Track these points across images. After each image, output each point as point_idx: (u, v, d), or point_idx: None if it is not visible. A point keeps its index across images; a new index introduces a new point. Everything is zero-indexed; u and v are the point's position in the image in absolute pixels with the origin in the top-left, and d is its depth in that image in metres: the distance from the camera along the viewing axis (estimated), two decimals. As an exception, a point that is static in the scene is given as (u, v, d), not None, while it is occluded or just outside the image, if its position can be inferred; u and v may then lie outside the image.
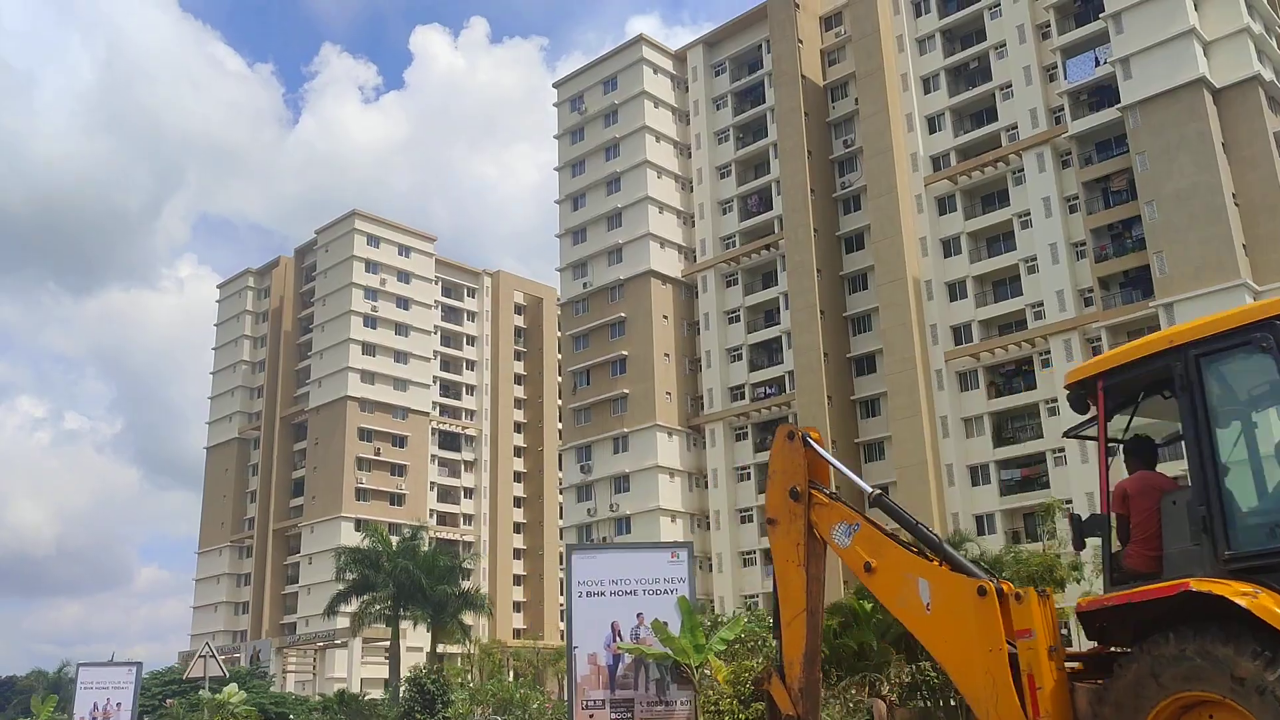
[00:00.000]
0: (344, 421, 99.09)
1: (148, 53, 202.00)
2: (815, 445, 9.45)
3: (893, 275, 67.14)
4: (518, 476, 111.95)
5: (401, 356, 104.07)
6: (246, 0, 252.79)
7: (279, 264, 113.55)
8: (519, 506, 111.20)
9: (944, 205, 68.13)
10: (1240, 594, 6.83)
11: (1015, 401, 63.36)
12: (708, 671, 16.96)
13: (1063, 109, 63.03)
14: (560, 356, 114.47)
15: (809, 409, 69.25)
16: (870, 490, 9.43)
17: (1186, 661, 6.99)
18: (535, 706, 39.74)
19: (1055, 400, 60.80)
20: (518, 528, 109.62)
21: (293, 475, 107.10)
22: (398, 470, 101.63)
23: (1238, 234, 54.84)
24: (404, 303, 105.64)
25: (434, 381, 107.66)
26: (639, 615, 16.23)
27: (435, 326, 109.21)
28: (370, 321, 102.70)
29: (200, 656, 20.46)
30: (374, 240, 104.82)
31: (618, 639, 16.21)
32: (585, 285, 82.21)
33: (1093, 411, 8.37)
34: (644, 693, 15.98)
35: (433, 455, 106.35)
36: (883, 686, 27.03)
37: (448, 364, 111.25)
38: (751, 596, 71.46)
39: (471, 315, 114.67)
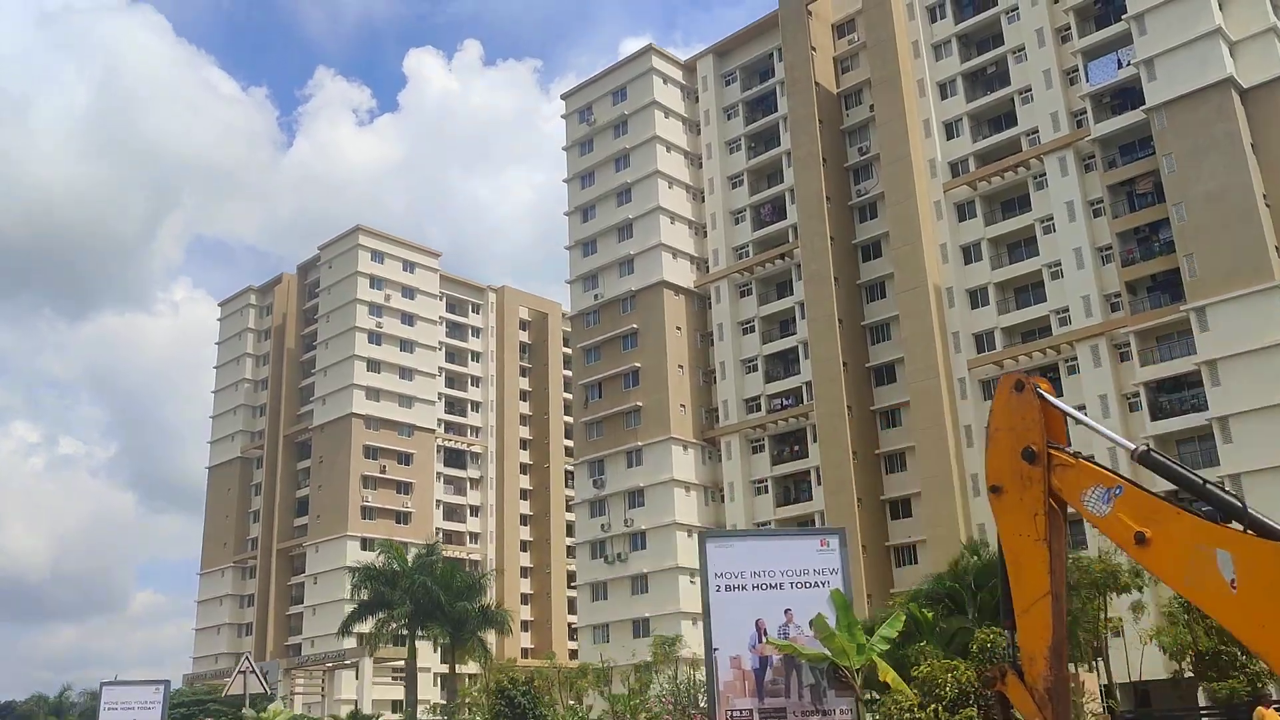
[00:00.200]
0: (349, 439, 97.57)
1: (143, 77, 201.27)
2: (1048, 397, 8.02)
3: (913, 283, 65.94)
4: (524, 494, 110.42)
5: (407, 373, 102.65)
6: (241, 25, 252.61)
7: (281, 281, 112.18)
8: (525, 524, 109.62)
9: (963, 211, 67.03)
10: None
11: (1041, 410, 61.97)
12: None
13: (1085, 112, 62.01)
14: (568, 372, 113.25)
15: (828, 420, 67.97)
16: (1136, 446, 8.00)
17: None
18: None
19: (1083, 407, 59.53)
20: (524, 546, 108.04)
21: (296, 494, 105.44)
22: (404, 488, 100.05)
23: (1270, 235, 53.72)
24: (409, 319, 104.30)
25: (439, 398, 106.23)
26: (787, 612, 14.41)
27: (440, 343, 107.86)
28: (375, 338, 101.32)
29: (240, 672, 19.06)
30: (378, 256, 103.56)
31: (764, 638, 14.41)
32: (596, 297, 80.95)
33: None
34: (797, 700, 14.04)
35: (438, 472, 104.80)
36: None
37: (452, 380, 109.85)
38: (771, 612, 69.85)
39: (476, 331, 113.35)
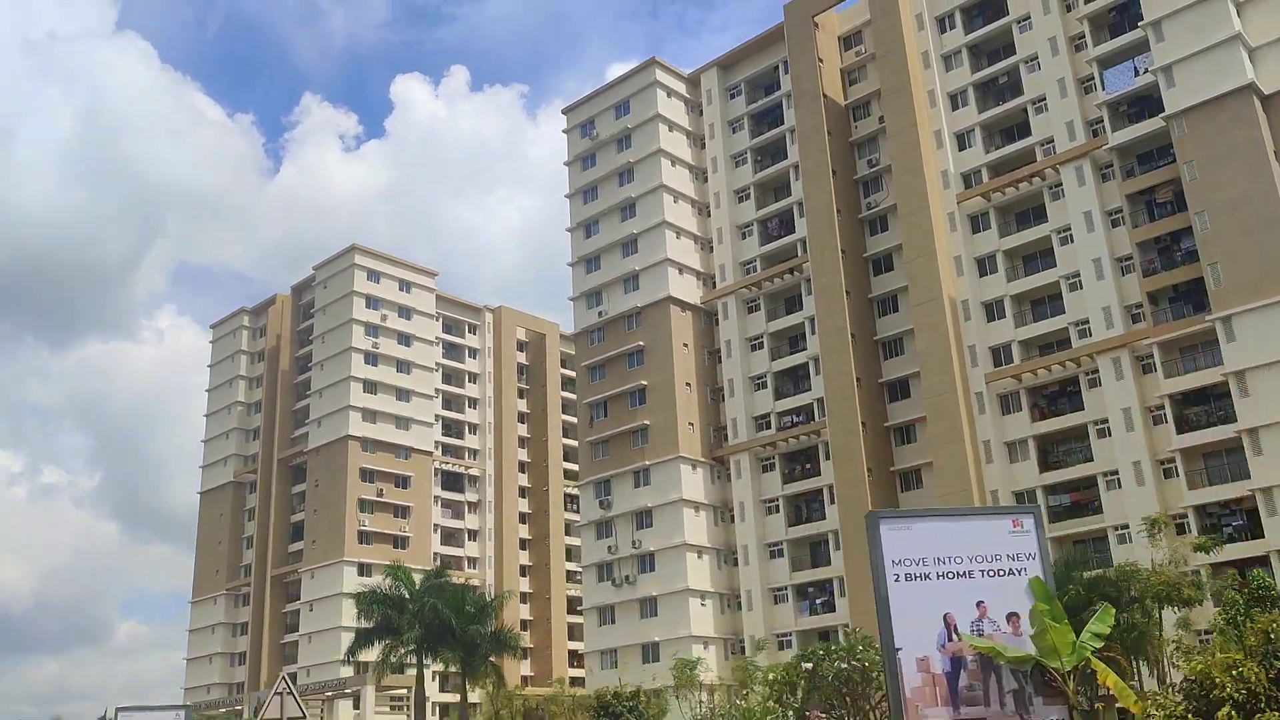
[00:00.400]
0: (345, 462, 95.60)
1: (128, 104, 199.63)
2: None
3: (927, 295, 64.66)
4: (523, 518, 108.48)
5: (404, 394, 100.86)
6: (227, 51, 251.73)
7: (275, 302, 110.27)
8: (525, 549, 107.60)
9: (977, 223, 65.90)
10: None
11: (1062, 424, 60.74)
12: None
13: (1101, 120, 61.03)
14: (566, 394, 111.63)
15: (842, 436, 66.51)
16: None
17: None
18: None
19: (1105, 420, 58.39)
20: (524, 571, 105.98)
21: (291, 519, 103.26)
22: (401, 512, 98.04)
23: (1296, 243, 52.64)
24: (405, 339, 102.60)
25: (436, 420, 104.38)
26: (980, 605, 12.46)
27: (437, 364, 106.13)
28: (371, 358, 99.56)
29: (276, 694, 17.46)
30: (374, 275, 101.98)
31: (954, 635, 12.44)
32: (600, 314, 79.42)
33: None
34: (998, 709, 12.00)
35: (436, 496, 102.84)
36: None
37: (449, 402, 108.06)
38: (784, 635, 68.21)
39: (473, 352, 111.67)
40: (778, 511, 70.68)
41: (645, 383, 75.49)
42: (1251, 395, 52.23)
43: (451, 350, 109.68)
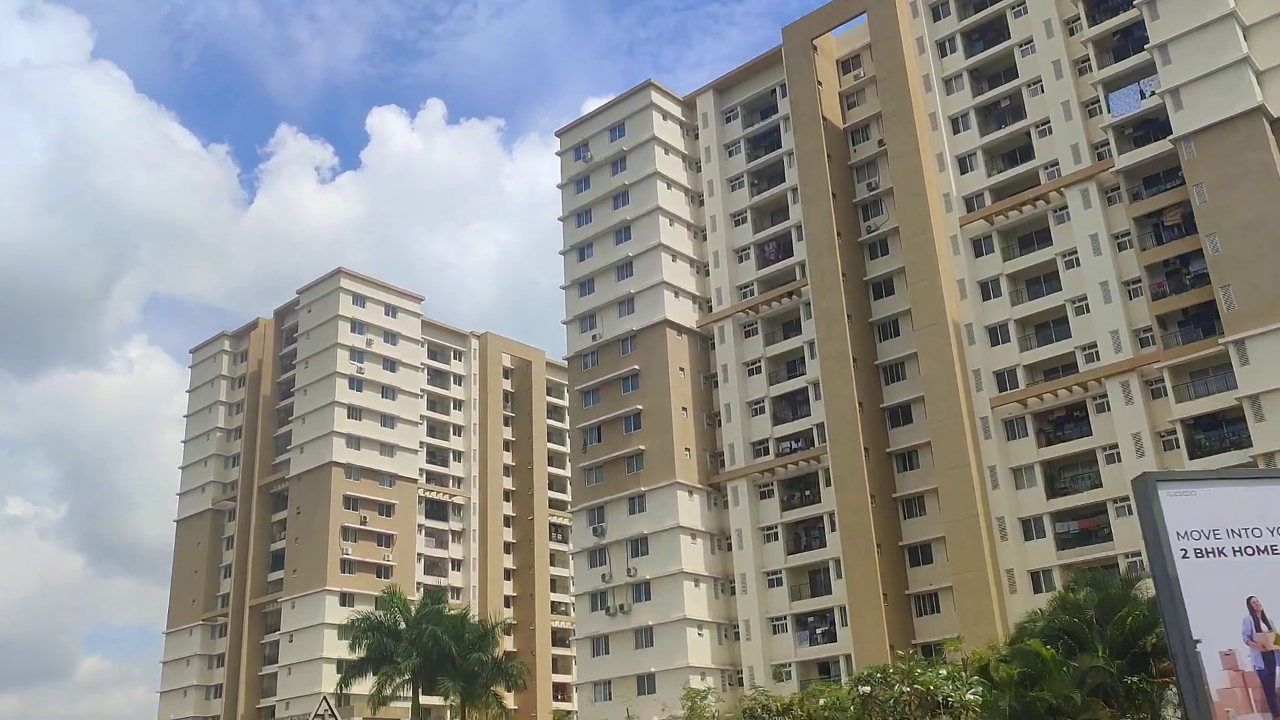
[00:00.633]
0: (328, 489, 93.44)
1: (102, 133, 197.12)
2: None
3: (931, 319, 63.73)
4: (508, 547, 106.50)
5: (388, 420, 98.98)
6: (203, 82, 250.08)
7: (257, 326, 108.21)
8: (509, 579, 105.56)
9: (980, 247, 65.16)
10: None
11: (1069, 449, 59.76)
12: None
13: (1107, 144, 60.55)
14: (552, 421, 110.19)
15: (843, 462, 65.25)
16: None
17: None
18: None
19: (1114, 446, 57.47)
20: (508, 601, 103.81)
21: (271, 547, 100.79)
22: (385, 540, 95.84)
23: (1310, 266, 52.09)
24: (391, 364, 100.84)
25: (420, 447, 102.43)
26: None
27: (422, 389, 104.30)
28: (356, 383, 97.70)
29: (317, 716, 15.96)
30: (359, 299, 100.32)
31: (1263, 624, 10.46)
32: (594, 338, 78.01)
33: None
34: None
35: (420, 524, 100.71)
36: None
37: (434, 429, 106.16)
38: (783, 665, 66.58)
39: (459, 379, 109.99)
40: (776, 539, 69.23)
41: (640, 407, 74.06)
42: (1267, 419, 51.44)
43: (436, 376, 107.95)
